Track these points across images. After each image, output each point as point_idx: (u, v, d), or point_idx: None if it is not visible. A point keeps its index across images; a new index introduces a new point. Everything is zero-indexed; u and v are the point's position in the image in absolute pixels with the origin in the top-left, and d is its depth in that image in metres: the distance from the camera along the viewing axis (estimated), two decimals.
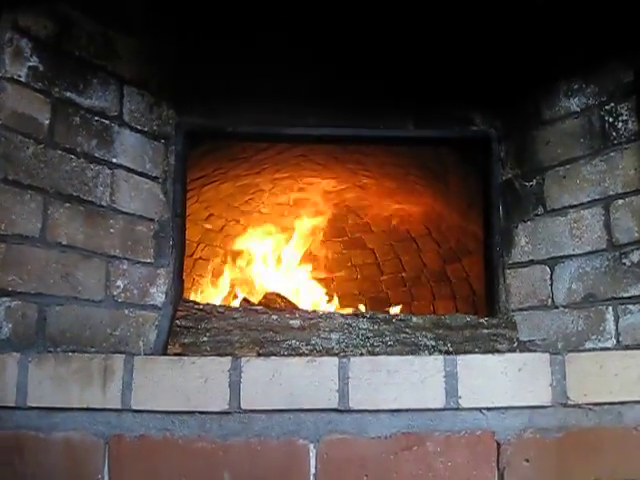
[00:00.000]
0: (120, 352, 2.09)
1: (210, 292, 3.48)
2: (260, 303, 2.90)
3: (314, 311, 2.31)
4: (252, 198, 3.50)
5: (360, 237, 3.91)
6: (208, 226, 3.58)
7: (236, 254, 3.68)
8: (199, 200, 3.24)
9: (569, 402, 1.79)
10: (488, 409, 1.78)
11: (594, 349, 2.11)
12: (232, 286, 3.50)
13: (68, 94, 2.09)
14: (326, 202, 3.60)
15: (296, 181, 3.34)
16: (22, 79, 1.97)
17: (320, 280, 3.67)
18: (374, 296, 3.88)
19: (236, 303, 3.05)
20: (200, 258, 3.66)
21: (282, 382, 1.75)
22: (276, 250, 3.61)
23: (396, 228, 3.73)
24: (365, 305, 3.75)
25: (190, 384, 1.75)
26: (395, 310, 3.43)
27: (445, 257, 3.55)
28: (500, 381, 1.79)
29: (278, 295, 3.03)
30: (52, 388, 1.76)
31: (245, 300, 2.97)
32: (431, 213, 3.44)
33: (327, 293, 3.53)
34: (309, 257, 3.79)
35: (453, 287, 3.55)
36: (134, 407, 1.75)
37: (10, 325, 1.87)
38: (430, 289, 3.69)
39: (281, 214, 3.66)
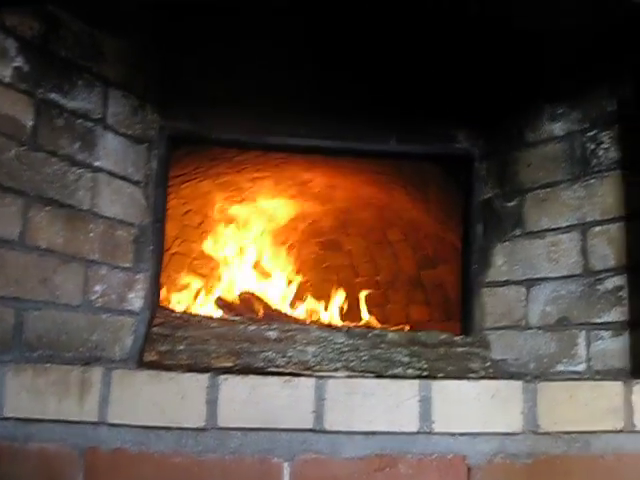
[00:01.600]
0: (96, 357, 2.09)
1: (184, 289, 3.47)
2: (235, 303, 2.92)
3: (289, 320, 2.32)
4: (231, 195, 3.49)
5: (336, 239, 3.92)
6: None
7: (212, 250, 3.67)
8: (177, 196, 3.22)
9: (539, 429, 1.82)
10: (460, 434, 1.81)
11: (565, 372, 2.15)
12: (207, 283, 3.50)
13: (52, 95, 2.07)
14: (304, 203, 3.60)
15: (275, 181, 3.34)
16: (6, 80, 1.94)
17: (295, 280, 3.67)
18: (348, 297, 3.89)
19: (211, 300, 3.05)
20: (176, 253, 3.65)
21: (259, 401, 1.77)
22: (252, 248, 3.61)
23: (373, 232, 3.75)
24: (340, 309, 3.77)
25: (167, 399, 1.76)
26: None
27: (421, 263, 3.58)
28: (473, 407, 1.82)
29: (253, 294, 3.05)
30: (29, 399, 1.75)
31: (220, 299, 2.98)
32: (409, 220, 3.46)
33: (300, 293, 3.54)
34: (285, 257, 3.80)
35: (427, 293, 3.59)
36: (110, 420, 1.75)
37: None
38: (405, 293, 3.72)
39: (259, 213, 3.65)
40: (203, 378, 1.77)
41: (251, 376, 1.81)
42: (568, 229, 2.22)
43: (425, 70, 2.36)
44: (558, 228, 2.24)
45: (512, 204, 2.37)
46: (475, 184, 2.47)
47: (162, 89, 2.37)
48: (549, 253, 2.25)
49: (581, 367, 2.13)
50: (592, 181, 2.18)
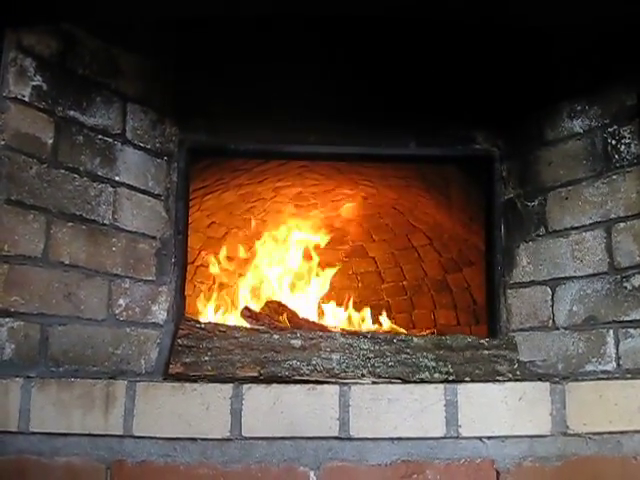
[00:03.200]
0: (122, 371, 2.10)
1: (211, 300, 3.47)
2: (261, 311, 2.91)
3: (315, 329, 2.31)
4: (254, 206, 3.50)
5: (361, 245, 3.91)
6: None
7: (237, 262, 3.68)
8: (201, 209, 3.24)
9: (569, 431, 1.80)
10: (488, 438, 1.79)
11: (594, 372, 2.11)
12: (233, 294, 3.50)
13: (72, 113, 2.09)
14: (327, 211, 3.60)
15: (298, 190, 3.34)
16: (26, 99, 1.97)
17: (321, 288, 3.66)
18: (375, 304, 3.88)
19: (237, 311, 3.05)
20: (202, 265, 3.66)
21: (283, 410, 1.77)
22: (277, 258, 3.61)
23: (397, 237, 3.73)
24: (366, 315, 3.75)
25: (192, 411, 1.77)
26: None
27: (446, 267, 3.55)
28: (500, 410, 1.80)
29: (279, 303, 3.04)
30: (54, 413, 1.77)
31: (246, 309, 2.97)
32: (433, 223, 3.44)
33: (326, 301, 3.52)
34: (310, 265, 3.79)
35: (454, 296, 3.56)
36: (136, 433, 1.76)
37: (13, 346, 1.88)
38: (431, 298, 3.70)
39: (282, 222, 3.66)
40: (227, 388, 1.78)
41: (274, 385, 1.82)
42: (592, 227, 2.19)
43: (442, 73, 2.35)
44: (582, 226, 2.21)
45: (534, 204, 2.34)
46: (496, 185, 2.44)
47: (180, 102, 2.38)
48: (574, 252, 2.22)
49: (610, 366, 2.09)
50: (614, 177, 2.15)
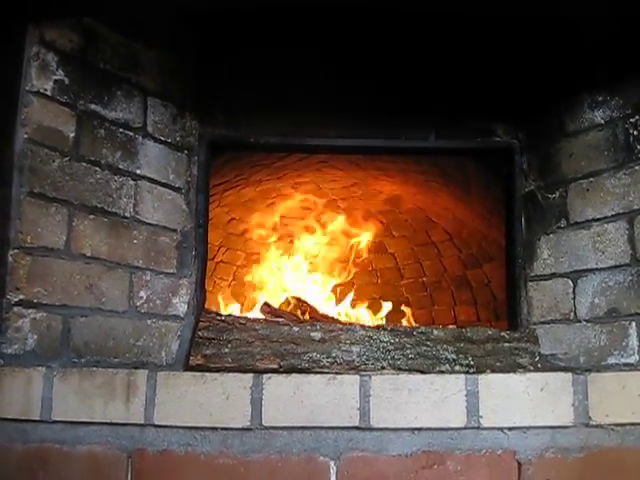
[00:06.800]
0: (143, 362, 2.12)
1: (231, 296, 3.49)
2: (281, 307, 2.92)
3: (335, 323, 2.31)
4: (273, 202, 3.51)
5: (381, 241, 3.90)
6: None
7: (257, 257, 3.69)
8: (220, 204, 3.25)
9: (591, 422, 1.78)
10: (509, 429, 1.78)
11: (616, 365, 2.09)
12: (253, 290, 3.51)
13: (93, 106, 2.11)
14: (346, 206, 3.60)
15: (317, 186, 3.34)
16: (48, 93, 1.99)
17: (341, 283, 3.66)
18: (394, 300, 3.86)
19: (257, 307, 3.06)
20: (221, 261, 3.68)
21: (303, 399, 1.76)
22: (297, 254, 3.62)
23: (417, 233, 3.72)
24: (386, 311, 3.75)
25: (212, 400, 1.77)
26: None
27: (466, 262, 3.54)
28: (522, 400, 1.78)
29: (299, 299, 3.04)
30: (76, 402, 1.78)
31: (266, 304, 2.98)
32: (452, 219, 3.43)
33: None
34: (329, 261, 3.79)
35: (474, 292, 3.54)
36: (157, 422, 1.77)
37: (35, 336, 1.90)
38: (451, 294, 3.68)
39: (302, 218, 3.66)
40: (247, 378, 1.78)
41: (295, 375, 1.81)
42: (614, 218, 2.16)
43: (461, 65, 2.35)
44: (603, 217, 2.19)
45: (555, 196, 2.32)
46: (516, 177, 2.43)
47: (200, 96, 2.40)
48: (595, 244, 2.20)
49: (633, 359, 2.07)
50: (637, 168, 2.12)
